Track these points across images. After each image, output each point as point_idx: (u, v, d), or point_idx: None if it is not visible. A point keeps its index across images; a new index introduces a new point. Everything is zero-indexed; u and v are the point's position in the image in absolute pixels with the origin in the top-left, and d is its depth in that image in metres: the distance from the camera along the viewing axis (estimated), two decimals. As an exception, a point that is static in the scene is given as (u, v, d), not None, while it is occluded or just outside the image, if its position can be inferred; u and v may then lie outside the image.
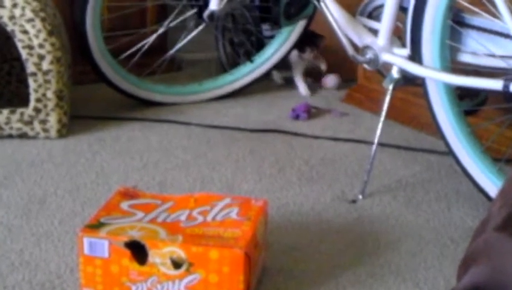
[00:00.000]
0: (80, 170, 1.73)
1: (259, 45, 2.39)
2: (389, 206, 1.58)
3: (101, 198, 1.55)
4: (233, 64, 2.46)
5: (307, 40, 2.31)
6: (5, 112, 1.88)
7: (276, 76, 2.44)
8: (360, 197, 1.61)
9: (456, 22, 1.50)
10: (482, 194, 1.57)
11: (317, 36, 2.32)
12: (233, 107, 2.24)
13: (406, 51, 1.60)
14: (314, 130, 2.04)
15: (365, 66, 1.70)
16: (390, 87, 1.63)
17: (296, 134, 2.00)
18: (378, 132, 1.64)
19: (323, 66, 2.40)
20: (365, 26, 1.72)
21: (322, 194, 1.63)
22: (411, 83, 1.66)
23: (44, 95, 1.87)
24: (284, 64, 2.36)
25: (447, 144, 1.61)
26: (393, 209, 1.56)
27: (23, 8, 1.82)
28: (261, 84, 2.38)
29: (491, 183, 1.53)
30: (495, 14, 1.40)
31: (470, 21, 1.49)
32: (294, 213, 1.53)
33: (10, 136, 1.90)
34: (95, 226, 1.18)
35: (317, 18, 2.19)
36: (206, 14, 2.09)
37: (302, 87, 2.35)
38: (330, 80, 2.42)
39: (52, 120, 1.90)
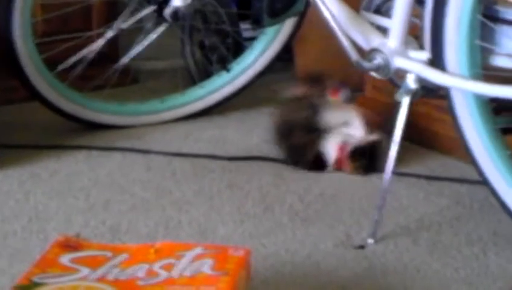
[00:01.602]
0: (7, 214, 1.71)
1: (237, 49, 2.40)
2: (407, 252, 1.58)
3: (35, 250, 1.54)
4: (205, 74, 2.46)
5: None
6: None
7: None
8: (371, 241, 1.61)
9: (488, 17, 1.51)
10: (526, 235, 1.57)
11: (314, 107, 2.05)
12: (206, 129, 2.24)
13: (425, 54, 1.61)
14: (309, 157, 2.04)
15: (373, 74, 1.71)
16: (406, 100, 1.63)
17: (286, 162, 2.00)
18: (392, 157, 1.64)
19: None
20: (372, 24, 1.73)
21: (321, 238, 1.62)
22: (432, 95, 1.67)
23: (-40, 118, 1.86)
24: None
25: (480, 171, 1.62)
26: (413, 257, 1.56)
27: None
28: (241, 99, 2.38)
29: (537, 221, 1.54)
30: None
31: (506, 15, 1.50)
32: (286, 264, 1.52)
33: None
34: (26, 288, 1.17)
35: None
36: (168, 11, 2.10)
37: None
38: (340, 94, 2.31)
39: (-29, 150, 1.89)
